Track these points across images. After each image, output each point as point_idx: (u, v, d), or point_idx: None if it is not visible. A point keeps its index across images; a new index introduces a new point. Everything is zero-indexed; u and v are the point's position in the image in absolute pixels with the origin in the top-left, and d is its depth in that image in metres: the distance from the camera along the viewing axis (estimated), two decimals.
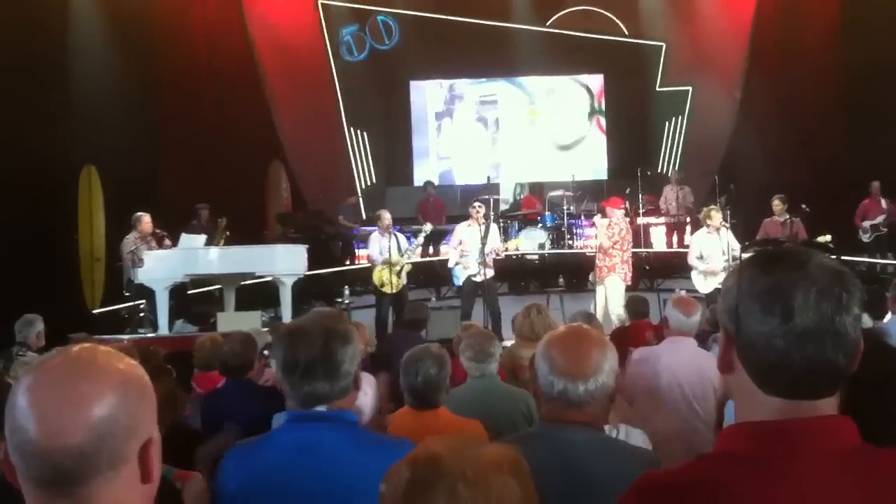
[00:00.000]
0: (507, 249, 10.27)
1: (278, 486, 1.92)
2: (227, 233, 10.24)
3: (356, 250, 13.16)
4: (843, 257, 9.33)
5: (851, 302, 1.19)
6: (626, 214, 9.57)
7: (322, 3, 15.21)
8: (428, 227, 10.56)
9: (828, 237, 9.79)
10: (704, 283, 9.29)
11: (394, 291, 9.78)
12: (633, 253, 12.37)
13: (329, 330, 1.98)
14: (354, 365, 2.01)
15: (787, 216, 10.46)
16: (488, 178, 14.44)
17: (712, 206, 9.88)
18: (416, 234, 10.45)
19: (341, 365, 1.97)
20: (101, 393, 1.11)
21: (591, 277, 9.28)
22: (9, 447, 1.12)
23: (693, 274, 9.48)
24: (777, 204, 10.61)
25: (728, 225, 9.69)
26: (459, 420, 3.25)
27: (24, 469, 1.11)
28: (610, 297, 9.14)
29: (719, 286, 8.81)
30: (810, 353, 1.18)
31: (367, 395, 3.43)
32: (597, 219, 9.46)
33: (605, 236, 9.25)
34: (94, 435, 1.09)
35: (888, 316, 5.52)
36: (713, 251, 9.22)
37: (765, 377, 1.22)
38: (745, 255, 7.12)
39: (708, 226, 9.36)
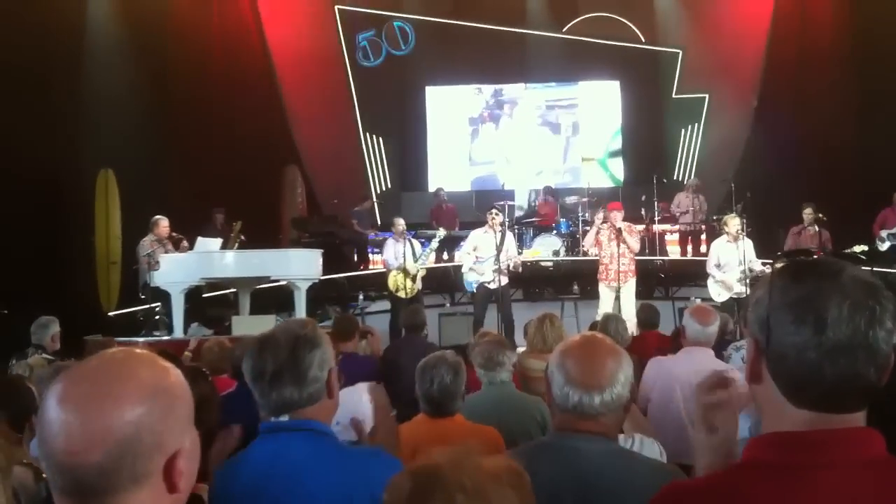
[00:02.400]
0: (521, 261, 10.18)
1: (252, 499, 1.92)
2: (242, 237, 10.28)
3: (370, 255, 13.17)
4: (874, 268, 9.19)
5: (885, 315, 1.18)
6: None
7: (339, 9, 15.28)
8: (442, 233, 10.58)
9: (864, 248, 9.64)
10: (719, 293, 9.15)
11: (408, 296, 9.79)
12: (650, 261, 12.39)
13: (296, 336, 1.98)
14: (324, 371, 1.99)
15: (815, 226, 10.33)
16: (503, 184, 14.39)
17: (729, 214, 9.73)
18: (430, 239, 10.44)
19: (308, 370, 1.96)
20: (123, 411, 1.12)
21: (615, 283, 9.05)
22: (39, 456, 1.16)
23: (709, 282, 9.28)
24: (809, 213, 10.45)
25: (744, 234, 9.53)
26: (476, 427, 3.23)
27: (51, 478, 1.15)
28: (628, 301, 9.03)
29: (734, 296, 8.77)
30: (842, 366, 1.16)
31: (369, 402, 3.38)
32: (601, 228, 9.35)
33: (634, 240, 9.20)
34: (114, 453, 1.11)
35: None
36: (731, 260, 9.01)
37: (795, 389, 1.20)
38: (771, 267, 7.02)
39: (726, 234, 9.19)
